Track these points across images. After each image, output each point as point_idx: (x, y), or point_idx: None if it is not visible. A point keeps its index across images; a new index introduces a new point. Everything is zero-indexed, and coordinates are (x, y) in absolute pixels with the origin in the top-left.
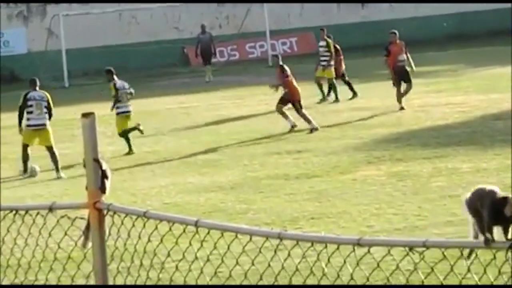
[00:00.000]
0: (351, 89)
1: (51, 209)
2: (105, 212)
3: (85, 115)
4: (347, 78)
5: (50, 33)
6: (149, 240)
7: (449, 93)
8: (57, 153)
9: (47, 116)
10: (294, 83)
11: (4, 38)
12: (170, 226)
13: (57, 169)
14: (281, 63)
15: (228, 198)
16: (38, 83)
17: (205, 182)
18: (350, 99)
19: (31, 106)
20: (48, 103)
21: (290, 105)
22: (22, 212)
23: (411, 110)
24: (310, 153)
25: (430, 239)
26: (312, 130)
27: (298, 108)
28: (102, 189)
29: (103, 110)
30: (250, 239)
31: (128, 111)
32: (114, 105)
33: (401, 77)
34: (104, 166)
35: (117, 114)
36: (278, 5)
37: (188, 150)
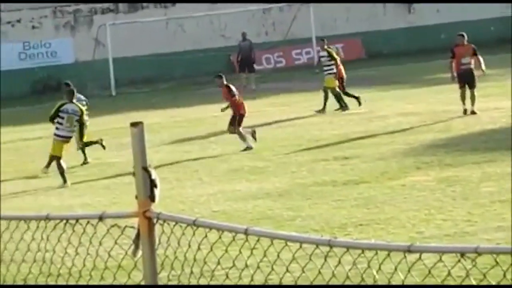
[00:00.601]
0: (351, 97)
1: (101, 218)
2: (154, 220)
3: (133, 124)
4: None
5: (97, 43)
6: (198, 249)
7: (497, 98)
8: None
9: (75, 129)
10: (241, 100)
11: (51, 48)
12: (220, 234)
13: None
14: (225, 82)
15: (276, 205)
16: (75, 94)
17: (253, 189)
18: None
19: (62, 118)
20: (81, 118)
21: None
22: (73, 222)
23: (460, 115)
24: (358, 159)
25: (481, 245)
26: (247, 148)
27: (238, 122)
28: (152, 198)
29: (150, 119)
30: (300, 246)
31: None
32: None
33: (464, 80)
34: (153, 175)
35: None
36: (325, 11)
37: (235, 157)
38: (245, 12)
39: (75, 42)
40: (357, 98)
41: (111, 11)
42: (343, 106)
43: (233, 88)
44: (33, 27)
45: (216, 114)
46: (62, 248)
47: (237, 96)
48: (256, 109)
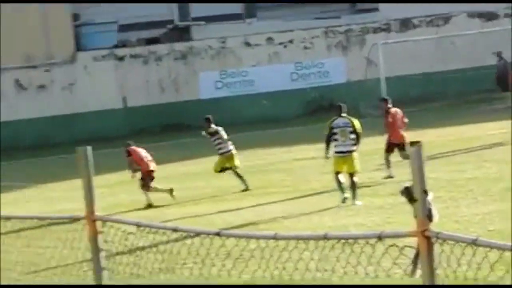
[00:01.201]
0: None
1: (380, 237)
2: (433, 240)
3: (412, 144)
4: None
5: (369, 62)
6: (479, 268)
7: None
8: (357, 181)
9: (353, 142)
10: (398, 126)
11: (324, 68)
12: (500, 254)
13: (353, 196)
14: (389, 105)
15: None
16: (344, 109)
17: None
18: None
19: (335, 134)
20: (354, 129)
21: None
22: (350, 241)
23: None
24: None
25: None
26: (389, 177)
27: (400, 150)
28: (430, 217)
29: (423, 138)
30: None
31: (229, 151)
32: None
33: None
34: (430, 195)
35: (220, 154)
36: None
37: (510, 176)
38: None
39: (347, 61)
40: None
41: (383, 30)
42: None
43: (393, 113)
44: (305, 47)
45: (491, 132)
46: (339, 268)
47: (390, 117)
48: None
